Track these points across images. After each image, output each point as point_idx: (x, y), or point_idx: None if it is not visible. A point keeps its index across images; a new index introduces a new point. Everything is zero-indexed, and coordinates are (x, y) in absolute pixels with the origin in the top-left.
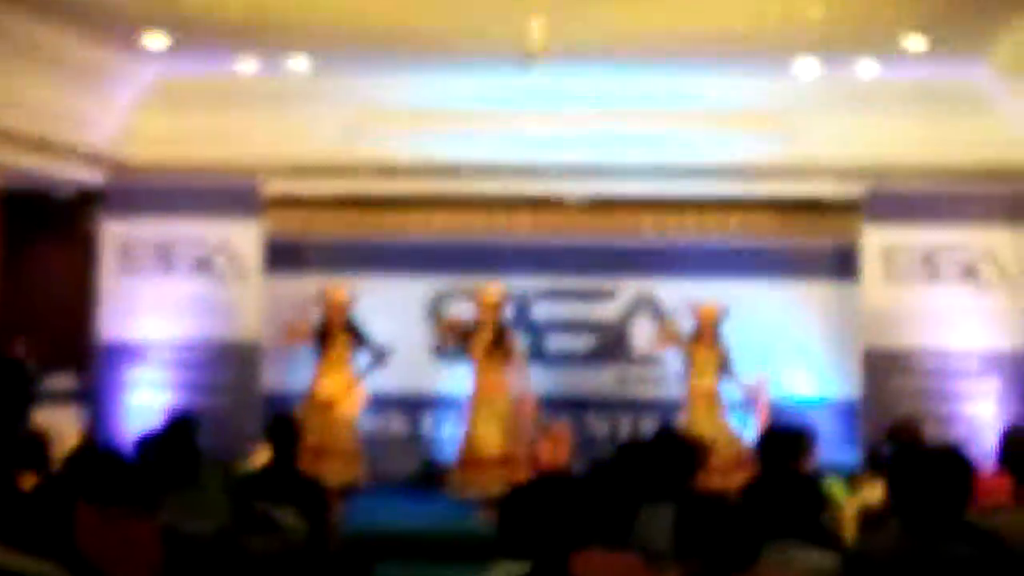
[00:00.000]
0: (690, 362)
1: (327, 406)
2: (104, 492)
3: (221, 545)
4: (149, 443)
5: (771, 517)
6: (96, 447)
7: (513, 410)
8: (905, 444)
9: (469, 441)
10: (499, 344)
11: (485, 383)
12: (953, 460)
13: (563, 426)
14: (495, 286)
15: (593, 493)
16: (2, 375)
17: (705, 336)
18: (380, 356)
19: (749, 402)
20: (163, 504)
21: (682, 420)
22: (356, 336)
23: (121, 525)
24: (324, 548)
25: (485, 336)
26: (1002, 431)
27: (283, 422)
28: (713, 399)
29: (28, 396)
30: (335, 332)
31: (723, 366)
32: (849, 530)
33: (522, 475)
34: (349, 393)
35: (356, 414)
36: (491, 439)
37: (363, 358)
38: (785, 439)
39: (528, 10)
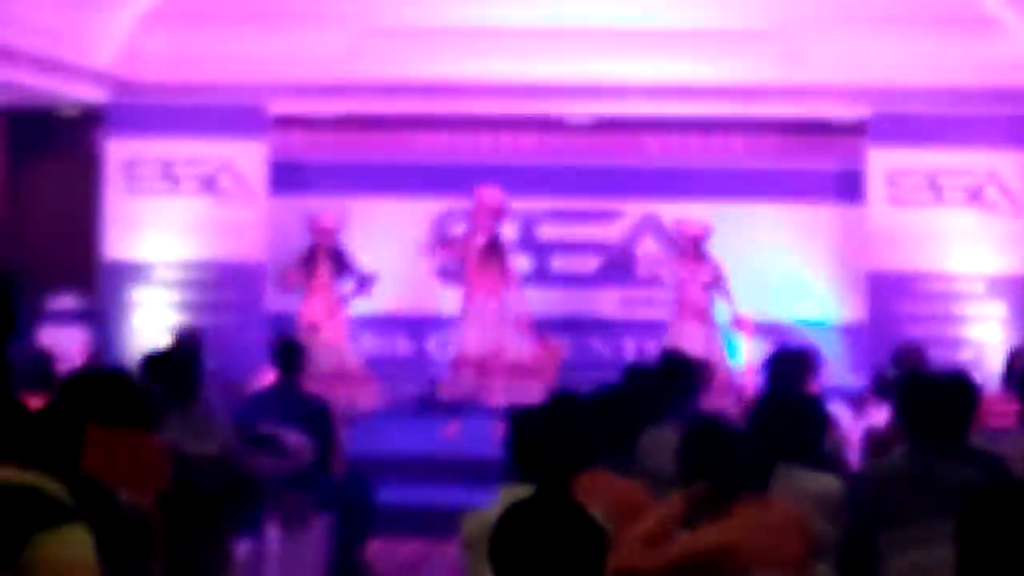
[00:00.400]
0: (676, 279)
1: (311, 330)
2: (110, 411)
3: (226, 465)
4: (154, 361)
5: (777, 439)
6: (101, 366)
7: (501, 323)
8: (910, 368)
9: (457, 347)
10: (493, 253)
11: (477, 295)
12: (958, 384)
13: (558, 346)
14: (492, 189)
15: (598, 416)
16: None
17: (688, 252)
18: (364, 282)
19: (735, 326)
20: (165, 422)
21: (669, 337)
22: (341, 262)
23: (128, 444)
24: (328, 469)
25: (478, 240)
26: (1008, 353)
27: (288, 343)
28: (701, 316)
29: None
30: (320, 257)
31: (713, 284)
32: (853, 453)
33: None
34: (332, 318)
35: (339, 340)
36: (473, 343)
37: (348, 284)
38: (791, 360)
39: None
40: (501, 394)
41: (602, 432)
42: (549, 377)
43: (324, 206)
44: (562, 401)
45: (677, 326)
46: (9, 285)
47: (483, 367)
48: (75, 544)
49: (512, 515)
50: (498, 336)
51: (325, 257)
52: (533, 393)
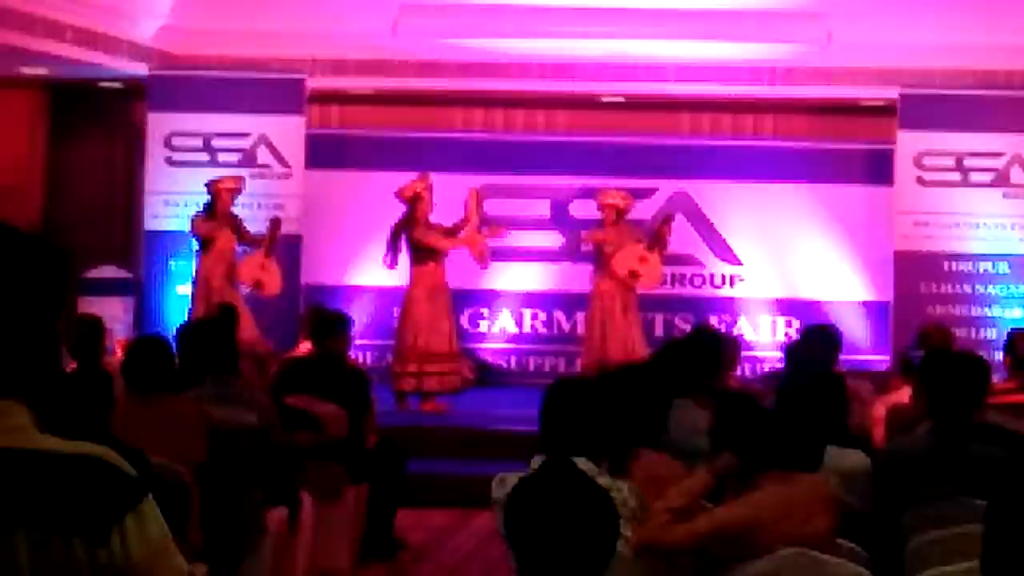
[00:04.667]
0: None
1: (255, 287)
2: (146, 378)
3: (264, 437)
4: (191, 332)
5: (804, 416)
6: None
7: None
8: (934, 349)
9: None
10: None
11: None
12: (980, 365)
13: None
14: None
15: (629, 392)
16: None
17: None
18: (273, 229)
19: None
20: (204, 393)
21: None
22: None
23: (166, 412)
24: (363, 440)
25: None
26: (1007, 335)
27: (323, 314)
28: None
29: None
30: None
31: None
32: (878, 431)
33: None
34: (267, 271)
35: (276, 291)
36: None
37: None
38: (815, 338)
39: None
40: None
41: (634, 407)
42: None
43: (359, 180)
44: (592, 378)
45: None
46: (63, 259)
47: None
48: (155, 519)
49: (521, 487)
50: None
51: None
52: None
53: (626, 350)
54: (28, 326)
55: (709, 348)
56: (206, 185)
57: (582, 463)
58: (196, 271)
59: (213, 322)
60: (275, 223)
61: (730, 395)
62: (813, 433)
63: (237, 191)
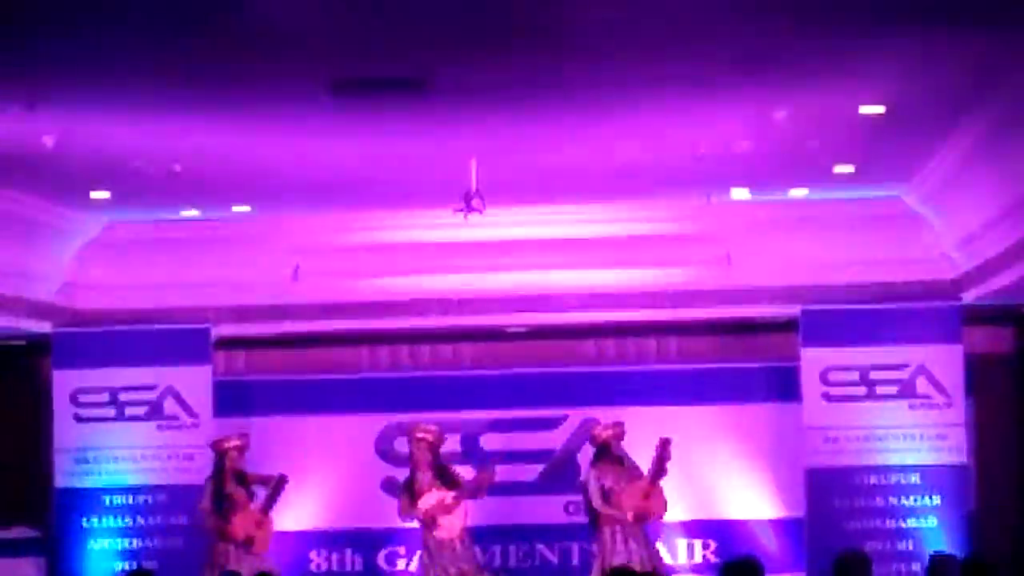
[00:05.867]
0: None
1: (246, 544)
2: None
3: None
4: None
5: None
6: None
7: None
8: None
9: None
10: (443, 479)
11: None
12: None
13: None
14: (426, 425)
15: None
16: None
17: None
18: (277, 486)
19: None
20: None
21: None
22: (243, 481)
23: None
24: None
25: (425, 476)
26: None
27: None
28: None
29: None
30: (228, 478)
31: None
32: None
33: None
34: (261, 528)
35: (267, 548)
36: None
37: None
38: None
39: (464, 153)
40: None
41: None
42: None
43: (268, 425)
44: None
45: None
46: None
47: None
48: None
49: None
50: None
51: (232, 478)
52: None
53: None
54: None
55: None
56: (210, 445)
57: None
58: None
59: None
60: (280, 480)
61: None
62: None
63: (245, 448)
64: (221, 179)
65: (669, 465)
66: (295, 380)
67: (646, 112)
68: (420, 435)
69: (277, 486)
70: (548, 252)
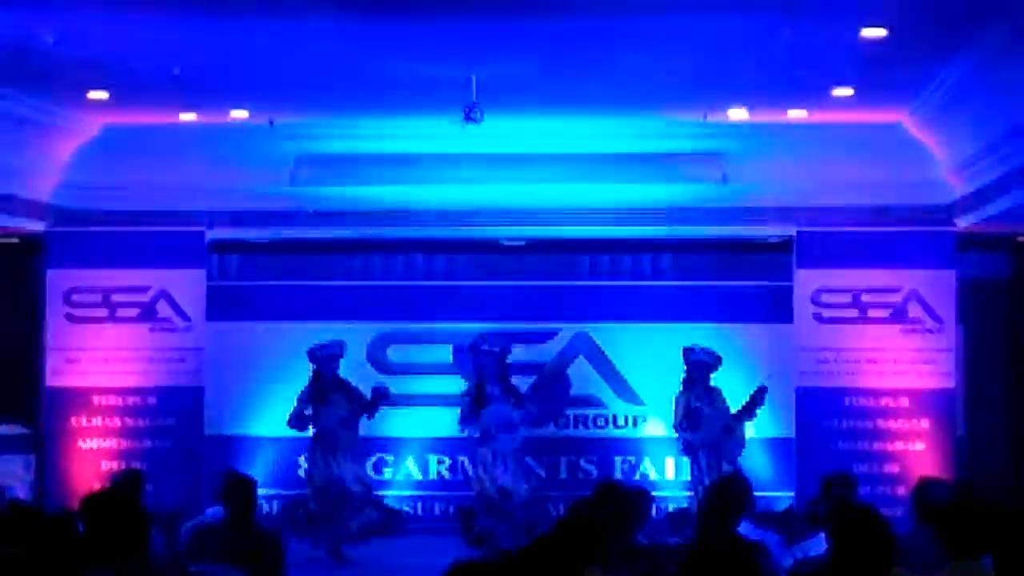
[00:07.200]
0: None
1: None
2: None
3: None
4: (93, 506)
5: None
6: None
7: None
8: (838, 501)
9: None
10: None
11: None
12: (883, 523)
13: None
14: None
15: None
16: None
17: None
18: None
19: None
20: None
21: None
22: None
23: None
24: None
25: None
26: (914, 487)
27: (236, 479)
28: None
29: None
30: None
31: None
32: None
33: None
34: None
35: None
36: None
37: None
38: (723, 490)
39: (467, 63)
40: None
41: None
42: None
43: (260, 331)
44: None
45: None
46: None
47: None
48: None
49: None
50: None
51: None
52: None
53: None
54: None
55: (615, 510)
56: (308, 352)
57: None
58: None
59: (117, 496)
60: (382, 391)
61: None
62: None
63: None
64: (220, 83)
65: (660, 380)
66: (288, 286)
67: (646, 23)
68: (487, 348)
69: (377, 396)
70: (545, 166)
